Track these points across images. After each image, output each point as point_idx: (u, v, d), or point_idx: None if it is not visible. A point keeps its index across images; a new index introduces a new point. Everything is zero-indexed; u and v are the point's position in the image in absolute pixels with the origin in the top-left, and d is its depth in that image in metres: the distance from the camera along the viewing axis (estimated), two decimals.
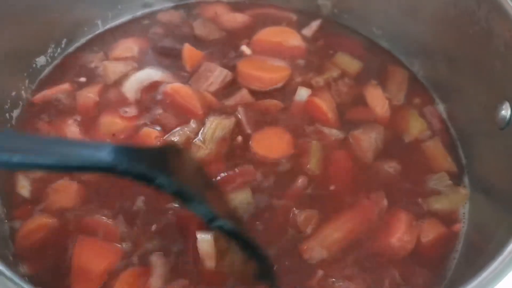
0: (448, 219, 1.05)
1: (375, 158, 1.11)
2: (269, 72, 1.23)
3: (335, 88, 1.23)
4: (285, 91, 1.22)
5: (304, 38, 1.34)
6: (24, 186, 1.05)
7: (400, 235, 1.00)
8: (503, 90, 1.00)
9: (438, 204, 1.06)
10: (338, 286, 0.94)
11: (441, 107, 1.23)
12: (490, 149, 1.07)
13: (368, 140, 1.12)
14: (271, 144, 1.12)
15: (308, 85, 1.23)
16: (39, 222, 0.99)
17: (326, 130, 1.14)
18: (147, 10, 1.40)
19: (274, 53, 1.29)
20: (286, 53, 1.30)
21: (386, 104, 1.21)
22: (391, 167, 1.10)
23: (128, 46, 1.30)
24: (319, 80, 1.24)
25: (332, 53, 1.31)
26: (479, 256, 0.90)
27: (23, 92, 1.19)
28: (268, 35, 1.33)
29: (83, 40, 1.33)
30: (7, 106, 1.15)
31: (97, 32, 1.35)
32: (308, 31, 1.37)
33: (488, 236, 0.93)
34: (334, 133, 1.14)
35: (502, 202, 0.97)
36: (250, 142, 1.11)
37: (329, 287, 0.93)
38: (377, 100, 1.22)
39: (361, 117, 1.18)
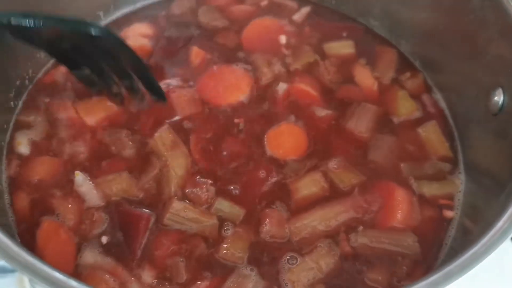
0: (440, 204, 1.07)
1: (369, 139, 1.15)
2: (228, 91, 1.22)
3: (323, 67, 1.25)
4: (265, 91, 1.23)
5: (293, 25, 1.37)
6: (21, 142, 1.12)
7: (404, 214, 1.02)
8: (496, 77, 1.03)
9: (431, 190, 1.08)
10: None
11: (438, 95, 1.25)
12: (484, 134, 1.09)
13: (361, 124, 1.16)
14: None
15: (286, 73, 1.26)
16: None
17: (317, 110, 1.18)
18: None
19: (265, 46, 1.31)
20: (274, 44, 1.32)
21: (375, 83, 1.24)
22: (384, 149, 1.13)
23: (136, 36, 1.33)
24: (297, 66, 1.27)
25: (319, 39, 1.33)
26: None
27: (27, 81, 1.23)
28: (255, 28, 1.35)
29: None
30: (11, 95, 1.18)
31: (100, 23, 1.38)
32: (299, 16, 1.40)
33: (481, 222, 0.96)
34: (326, 112, 1.18)
35: (495, 188, 0.98)
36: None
37: None
38: (366, 79, 1.25)
39: (351, 96, 1.21)
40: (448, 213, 1.06)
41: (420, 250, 1.00)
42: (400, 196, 1.04)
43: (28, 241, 0.99)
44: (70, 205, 1.01)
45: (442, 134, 1.17)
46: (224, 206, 1.02)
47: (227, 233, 1.00)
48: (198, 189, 1.03)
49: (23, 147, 1.12)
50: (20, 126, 1.17)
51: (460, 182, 1.10)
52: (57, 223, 1.00)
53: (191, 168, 1.07)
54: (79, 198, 1.03)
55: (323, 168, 1.09)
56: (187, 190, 1.04)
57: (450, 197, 1.09)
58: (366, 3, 1.35)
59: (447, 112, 1.22)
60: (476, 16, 1.08)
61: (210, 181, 1.05)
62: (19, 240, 1.00)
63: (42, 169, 1.08)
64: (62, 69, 1.24)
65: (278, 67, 1.26)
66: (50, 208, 1.03)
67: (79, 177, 1.04)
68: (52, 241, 0.98)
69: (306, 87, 1.22)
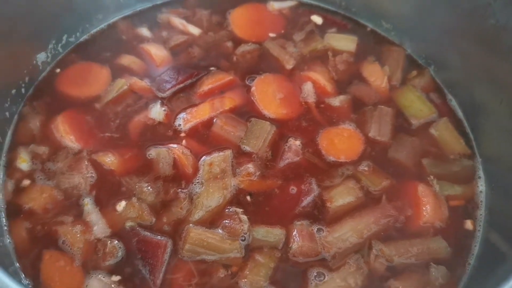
0: (462, 205, 1.06)
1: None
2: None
3: (332, 64, 1.22)
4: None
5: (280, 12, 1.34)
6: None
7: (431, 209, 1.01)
8: None
9: (453, 191, 1.06)
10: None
11: (454, 103, 1.20)
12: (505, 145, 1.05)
13: (383, 131, 1.13)
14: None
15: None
16: None
17: (331, 100, 1.16)
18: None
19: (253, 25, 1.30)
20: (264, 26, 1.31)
21: (385, 80, 1.20)
22: (405, 150, 1.11)
23: None
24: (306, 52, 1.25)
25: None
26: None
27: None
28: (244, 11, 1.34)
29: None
30: (7, 105, 1.12)
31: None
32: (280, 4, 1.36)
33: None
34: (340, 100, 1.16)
35: None
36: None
37: None
38: (376, 77, 1.21)
39: (361, 95, 1.18)
40: (469, 221, 1.04)
41: (452, 254, 0.98)
42: (424, 192, 1.03)
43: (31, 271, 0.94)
44: (78, 234, 0.94)
45: (455, 130, 1.14)
46: (261, 233, 0.96)
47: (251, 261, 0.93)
48: (231, 221, 0.95)
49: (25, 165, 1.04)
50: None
51: (480, 183, 1.09)
52: (61, 253, 0.94)
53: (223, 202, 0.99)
54: (87, 226, 0.96)
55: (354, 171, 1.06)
56: (221, 222, 0.96)
57: (471, 197, 1.07)
58: (379, 5, 1.29)
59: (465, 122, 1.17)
60: (497, 21, 1.03)
61: (241, 210, 0.97)
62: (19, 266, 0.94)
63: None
64: None
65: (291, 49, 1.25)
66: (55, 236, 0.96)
67: (88, 206, 0.98)
68: (58, 273, 0.92)
69: (316, 76, 1.19)
